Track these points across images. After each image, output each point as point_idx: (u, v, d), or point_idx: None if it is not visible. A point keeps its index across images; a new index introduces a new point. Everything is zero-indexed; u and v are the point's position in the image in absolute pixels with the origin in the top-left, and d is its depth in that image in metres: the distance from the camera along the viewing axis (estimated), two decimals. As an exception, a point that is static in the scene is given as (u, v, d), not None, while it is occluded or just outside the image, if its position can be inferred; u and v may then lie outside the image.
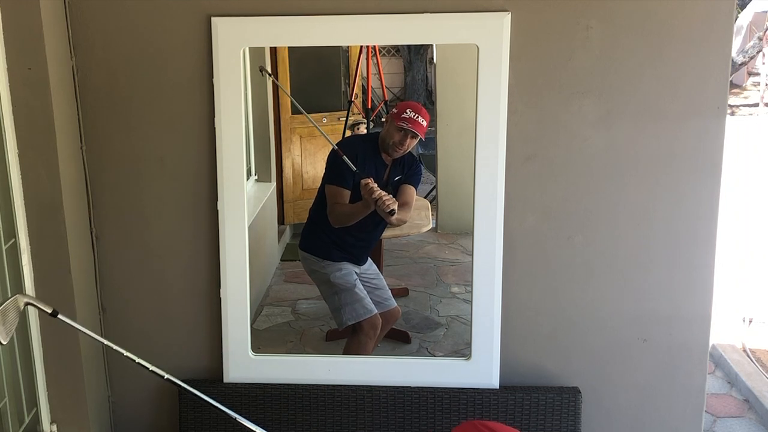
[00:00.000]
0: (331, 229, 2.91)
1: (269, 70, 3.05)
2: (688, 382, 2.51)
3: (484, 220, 2.38)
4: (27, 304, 1.87)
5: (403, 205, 2.86)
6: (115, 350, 1.97)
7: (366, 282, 2.95)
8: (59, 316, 1.91)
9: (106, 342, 2.01)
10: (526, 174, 2.39)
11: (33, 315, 2.35)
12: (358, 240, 2.97)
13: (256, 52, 2.94)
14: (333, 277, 2.92)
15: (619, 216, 2.41)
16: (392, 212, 2.68)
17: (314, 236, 3.01)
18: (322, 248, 2.96)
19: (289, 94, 3.19)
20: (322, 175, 2.95)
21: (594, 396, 2.51)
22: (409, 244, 3.43)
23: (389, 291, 3.02)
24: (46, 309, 1.89)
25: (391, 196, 2.72)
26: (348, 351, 2.90)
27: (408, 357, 2.88)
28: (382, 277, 3.04)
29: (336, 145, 2.86)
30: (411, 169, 2.94)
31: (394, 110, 2.88)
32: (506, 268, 2.43)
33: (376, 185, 2.69)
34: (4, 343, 1.78)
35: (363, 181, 2.70)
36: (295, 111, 3.28)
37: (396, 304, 3.02)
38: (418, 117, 2.80)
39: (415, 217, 3.10)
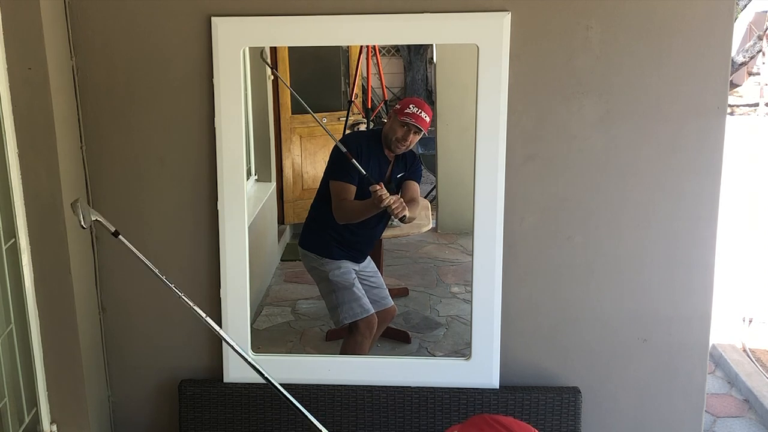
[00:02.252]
0: (332, 227, 2.91)
1: (269, 70, 3.05)
2: (688, 382, 2.51)
3: (484, 220, 2.38)
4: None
5: (411, 201, 2.89)
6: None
7: (364, 280, 2.95)
8: (120, 237, 2.03)
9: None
10: (526, 174, 2.39)
11: (33, 315, 2.35)
12: (359, 237, 2.97)
13: (256, 53, 2.94)
14: (332, 275, 2.92)
15: (619, 216, 2.41)
16: (404, 218, 2.71)
17: (314, 234, 3.01)
18: (323, 246, 2.96)
19: (288, 86, 3.17)
20: (324, 172, 2.95)
21: (594, 396, 2.51)
22: (409, 244, 3.42)
23: (387, 290, 3.02)
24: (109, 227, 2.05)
25: (401, 201, 2.72)
26: (345, 351, 2.90)
27: (408, 357, 2.88)
28: (380, 275, 3.04)
29: (339, 141, 2.87)
30: (413, 165, 2.95)
31: (397, 106, 2.88)
32: (506, 268, 2.43)
33: (385, 192, 2.70)
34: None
35: (372, 188, 2.70)
36: (295, 111, 3.28)
37: (393, 303, 3.02)
38: (421, 112, 2.81)
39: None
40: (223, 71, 2.33)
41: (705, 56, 2.28)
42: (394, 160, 2.90)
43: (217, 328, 2.11)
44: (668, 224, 2.40)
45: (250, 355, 2.51)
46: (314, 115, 3.04)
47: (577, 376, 2.51)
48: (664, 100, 2.32)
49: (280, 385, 2.49)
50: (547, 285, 2.47)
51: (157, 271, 2.07)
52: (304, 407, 2.48)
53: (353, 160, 2.76)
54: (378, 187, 2.70)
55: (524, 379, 2.52)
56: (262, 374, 2.09)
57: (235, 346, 2.10)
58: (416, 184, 2.96)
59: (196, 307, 2.08)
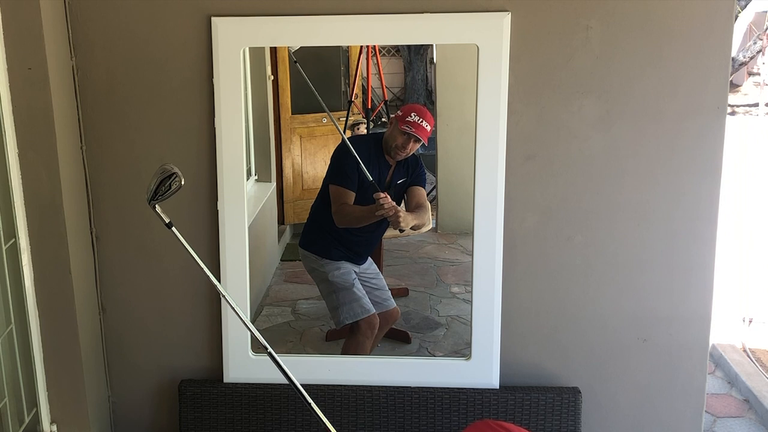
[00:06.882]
0: (332, 228, 2.91)
1: (269, 70, 3.05)
2: (688, 382, 2.51)
3: (484, 220, 2.38)
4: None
5: (419, 207, 2.90)
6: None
7: (365, 282, 2.95)
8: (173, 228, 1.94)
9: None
10: (526, 174, 2.39)
11: (33, 315, 2.35)
12: (359, 239, 2.97)
13: (256, 52, 2.94)
14: (331, 275, 2.92)
15: (619, 216, 2.41)
16: (402, 230, 2.72)
17: (314, 235, 3.01)
18: (322, 247, 2.96)
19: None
20: (325, 173, 2.95)
21: (594, 396, 2.51)
22: (409, 244, 3.42)
23: (389, 291, 3.02)
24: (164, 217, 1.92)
25: (396, 212, 2.73)
26: (346, 351, 2.90)
27: (408, 357, 2.88)
28: (381, 277, 3.03)
29: (340, 146, 2.87)
30: (415, 170, 2.95)
31: (399, 113, 2.88)
32: (506, 268, 2.43)
33: (389, 201, 2.71)
34: None
35: (376, 195, 2.71)
36: (295, 111, 3.28)
37: (395, 305, 3.01)
38: (422, 121, 2.80)
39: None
40: (223, 71, 2.33)
41: (705, 56, 2.28)
42: (395, 166, 2.89)
43: (259, 336, 1.95)
44: (668, 224, 2.41)
45: (250, 354, 2.51)
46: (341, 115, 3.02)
47: (577, 376, 2.51)
48: (664, 100, 2.32)
49: (281, 385, 2.50)
50: (547, 285, 2.47)
51: (207, 269, 2.00)
52: (304, 407, 2.49)
53: (362, 166, 2.77)
54: (382, 195, 2.70)
55: (524, 380, 2.52)
56: (287, 375, 1.95)
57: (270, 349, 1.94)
58: (422, 189, 2.95)
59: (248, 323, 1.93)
